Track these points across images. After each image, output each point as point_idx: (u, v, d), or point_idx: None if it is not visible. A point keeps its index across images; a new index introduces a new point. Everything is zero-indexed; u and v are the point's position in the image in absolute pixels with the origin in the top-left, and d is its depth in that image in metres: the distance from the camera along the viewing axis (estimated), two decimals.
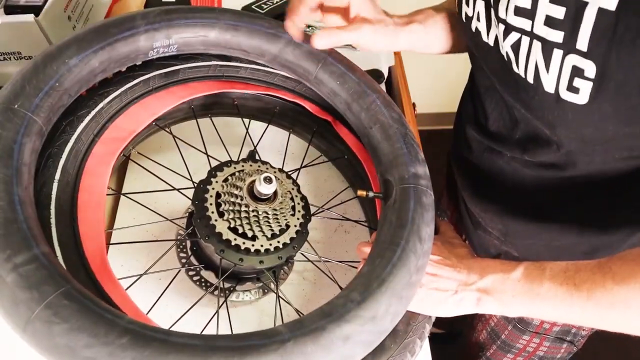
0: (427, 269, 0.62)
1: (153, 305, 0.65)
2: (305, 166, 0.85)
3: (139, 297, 0.58)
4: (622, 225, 0.70)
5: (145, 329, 0.43)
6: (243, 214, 0.64)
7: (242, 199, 0.64)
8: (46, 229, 0.55)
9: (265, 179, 0.62)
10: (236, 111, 0.89)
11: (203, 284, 0.78)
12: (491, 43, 0.63)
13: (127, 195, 0.74)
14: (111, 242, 0.78)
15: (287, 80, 0.86)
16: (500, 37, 0.60)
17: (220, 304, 0.69)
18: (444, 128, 2.19)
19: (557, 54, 0.53)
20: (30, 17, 0.79)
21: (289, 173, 0.76)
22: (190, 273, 0.79)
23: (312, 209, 0.75)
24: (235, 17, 0.74)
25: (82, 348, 0.41)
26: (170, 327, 0.58)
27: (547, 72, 0.54)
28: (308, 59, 0.76)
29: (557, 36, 0.52)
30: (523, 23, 0.56)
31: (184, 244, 0.80)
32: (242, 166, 0.71)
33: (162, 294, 0.68)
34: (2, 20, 0.78)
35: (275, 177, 0.64)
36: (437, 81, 1.62)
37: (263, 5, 1.23)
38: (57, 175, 0.60)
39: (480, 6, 0.64)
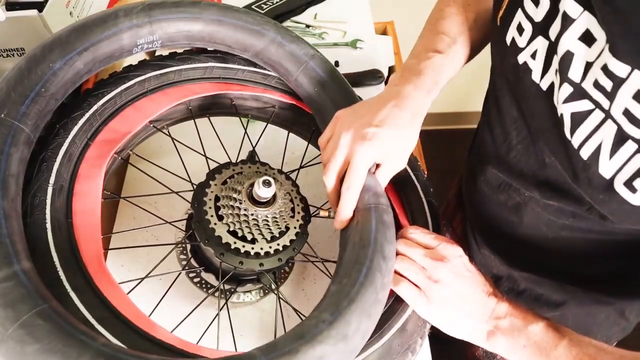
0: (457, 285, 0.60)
1: (154, 309, 0.64)
2: (304, 166, 0.85)
3: (139, 300, 0.58)
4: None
5: (119, 352, 0.43)
6: (242, 218, 0.63)
7: (241, 203, 0.63)
8: (42, 234, 0.54)
9: (264, 182, 0.61)
10: (234, 111, 0.88)
11: (204, 286, 0.77)
12: (543, 87, 0.56)
13: (127, 199, 0.73)
14: (111, 246, 0.77)
15: (285, 82, 0.85)
16: (560, 95, 0.53)
17: (221, 306, 0.68)
18: (444, 128, 2.19)
19: (631, 146, 0.48)
20: (34, 12, 0.78)
21: (288, 174, 0.75)
22: (191, 275, 0.78)
23: (312, 210, 0.74)
24: (219, 12, 0.73)
25: None
26: (172, 330, 0.57)
27: (610, 158, 0.49)
28: (290, 60, 0.76)
29: (636, 132, 0.47)
30: (602, 99, 0.49)
31: (184, 246, 0.79)
32: (241, 168, 0.70)
33: (162, 297, 0.67)
34: (6, 16, 0.77)
35: (275, 179, 0.63)
36: None
37: (263, 5, 1.22)
38: (52, 180, 0.59)
39: (540, 45, 0.56)
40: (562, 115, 0.53)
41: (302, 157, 0.86)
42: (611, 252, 0.64)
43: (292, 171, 0.79)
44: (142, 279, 0.65)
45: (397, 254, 0.62)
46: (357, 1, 1.30)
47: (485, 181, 0.75)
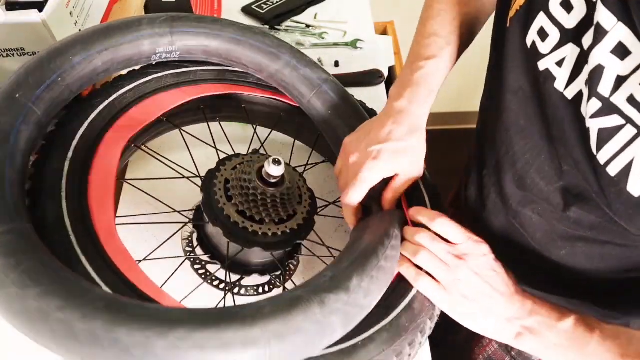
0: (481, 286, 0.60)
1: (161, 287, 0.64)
2: (310, 164, 0.87)
3: None
4: None
5: (121, 297, 0.44)
6: (251, 197, 0.65)
7: (250, 182, 0.65)
8: (56, 202, 0.56)
9: (274, 160, 0.63)
10: (244, 115, 0.91)
11: (209, 278, 0.77)
12: (568, 96, 0.53)
13: (128, 181, 0.74)
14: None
15: None
16: (588, 110, 0.50)
17: (226, 293, 0.69)
18: (445, 128, 2.20)
19: None
20: (34, 12, 0.79)
21: (295, 168, 0.77)
22: (196, 267, 0.78)
23: (319, 203, 0.75)
24: (238, 31, 0.78)
25: (54, 310, 0.40)
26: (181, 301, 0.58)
27: None
28: (304, 83, 0.80)
29: None
30: (636, 115, 0.47)
31: (190, 238, 0.79)
32: (250, 157, 0.72)
33: (166, 281, 0.66)
34: (6, 16, 0.78)
35: (284, 163, 0.65)
36: None
37: (263, 5, 1.24)
38: (70, 154, 0.61)
39: (570, 53, 0.53)
40: (589, 129, 0.51)
41: (307, 157, 0.88)
42: (628, 265, 0.63)
43: (299, 166, 0.81)
44: (141, 260, 0.64)
45: (420, 246, 0.63)
46: (357, 1, 1.31)
47: (493, 194, 0.73)
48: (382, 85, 1.13)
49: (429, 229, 0.64)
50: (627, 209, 0.51)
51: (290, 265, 0.82)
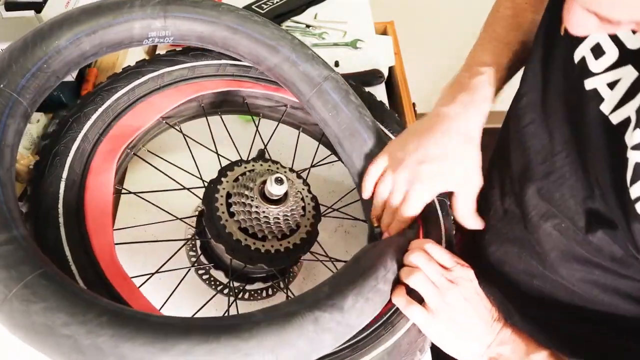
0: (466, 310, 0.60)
1: (163, 305, 0.64)
2: (315, 165, 0.85)
3: (148, 297, 0.57)
4: None
5: (124, 310, 0.44)
6: (254, 215, 0.63)
7: (252, 200, 0.63)
8: (55, 228, 0.54)
9: (276, 179, 0.61)
10: (246, 109, 0.87)
11: (213, 283, 0.77)
12: (613, 121, 0.48)
13: (138, 194, 0.72)
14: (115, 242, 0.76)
15: None
16: (632, 139, 0.46)
17: (230, 303, 0.68)
18: None
19: None
20: (31, 13, 0.78)
21: (299, 172, 0.74)
22: (200, 272, 0.78)
23: (322, 209, 0.74)
24: (237, 19, 0.72)
25: (60, 326, 0.41)
26: None
27: None
28: (303, 80, 0.74)
29: None
30: None
31: (193, 242, 0.78)
32: (253, 166, 0.70)
33: (172, 293, 0.66)
34: (5, 16, 0.77)
35: (286, 177, 0.63)
36: (437, 81, 1.62)
37: (263, 5, 1.22)
38: (64, 174, 0.59)
39: (627, 75, 0.48)
40: (627, 159, 0.46)
41: (312, 156, 0.86)
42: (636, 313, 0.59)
43: (303, 170, 0.79)
44: (153, 273, 0.64)
45: (413, 266, 0.62)
46: (357, 1, 1.30)
47: (513, 202, 0.68)
48: (382, 85, 1.11)
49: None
50: None
51: (294, 268, 0.82)
